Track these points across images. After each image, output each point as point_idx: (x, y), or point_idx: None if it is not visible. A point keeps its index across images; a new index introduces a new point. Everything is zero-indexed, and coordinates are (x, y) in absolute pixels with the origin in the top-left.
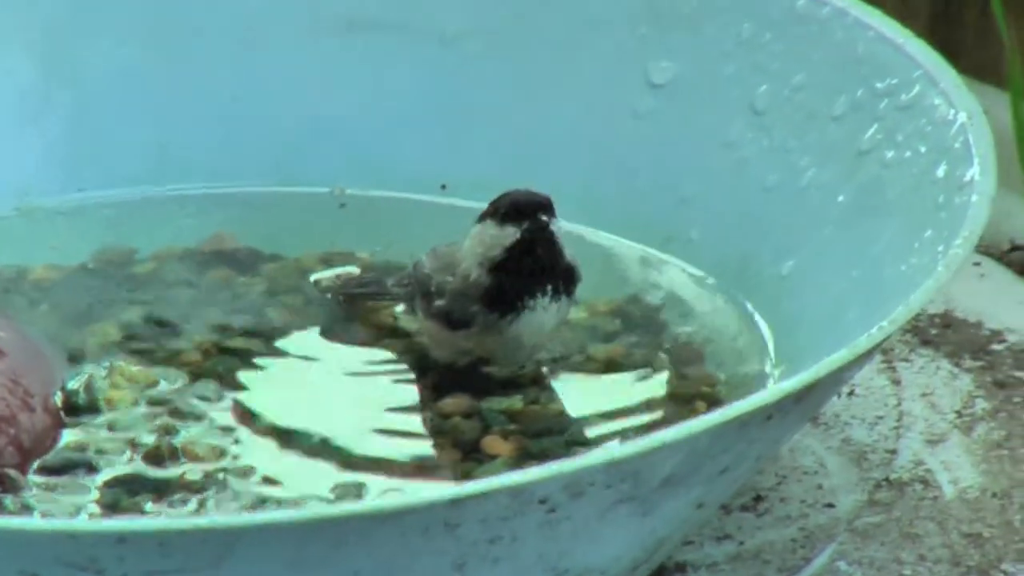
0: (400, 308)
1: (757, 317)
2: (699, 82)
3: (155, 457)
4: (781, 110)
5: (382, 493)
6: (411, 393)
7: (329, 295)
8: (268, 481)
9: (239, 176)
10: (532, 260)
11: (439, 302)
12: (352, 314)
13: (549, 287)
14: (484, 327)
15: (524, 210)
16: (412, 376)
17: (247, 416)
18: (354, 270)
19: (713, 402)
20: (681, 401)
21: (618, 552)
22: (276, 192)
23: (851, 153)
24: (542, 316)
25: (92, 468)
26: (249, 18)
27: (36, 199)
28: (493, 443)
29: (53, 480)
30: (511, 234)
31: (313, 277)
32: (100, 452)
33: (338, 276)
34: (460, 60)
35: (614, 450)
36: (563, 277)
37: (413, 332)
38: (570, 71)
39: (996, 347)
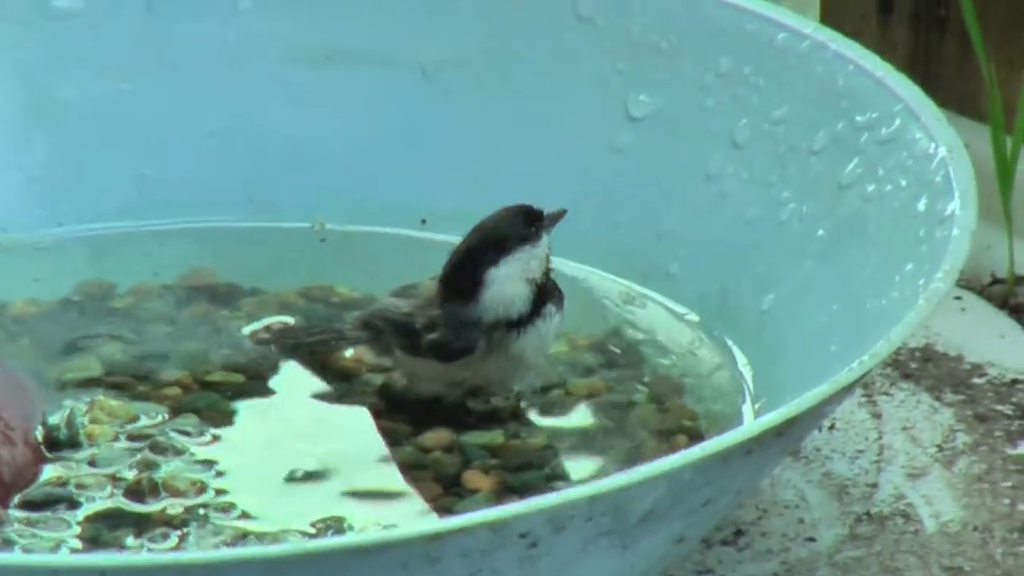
0: (350, 352)
1: (737, 351)
2: (679, 116)
3: (136, 492)
4: (761, 143)
5: (363, 527)
6: (391, 427)
7: (273, 347)
8: (248, 516)
9: (219, 210)
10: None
11: (432, 335)
12: (303, 362)
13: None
14: (487, 350)
15: (539, 216)
16: (392, 411)
17: (227, 451)
18: (288, 320)
19: (694, 436)
20: (662, 435)
21: None
22: (256, 227)
23: (832, 187)
24: (548, 327)
25: (73, 503)
26: (228, 52)
27: (16, 234)
28: (474, 477)
29: (34, 515)
30: (546, 243)
31: (246, 330)
32: (81, 487)
33: (268, 328)
34: (440, 94)
35: (595, 484)
36: (554, 286)
37: (384, 370)
38: (550, 105)
39: (977, 381)
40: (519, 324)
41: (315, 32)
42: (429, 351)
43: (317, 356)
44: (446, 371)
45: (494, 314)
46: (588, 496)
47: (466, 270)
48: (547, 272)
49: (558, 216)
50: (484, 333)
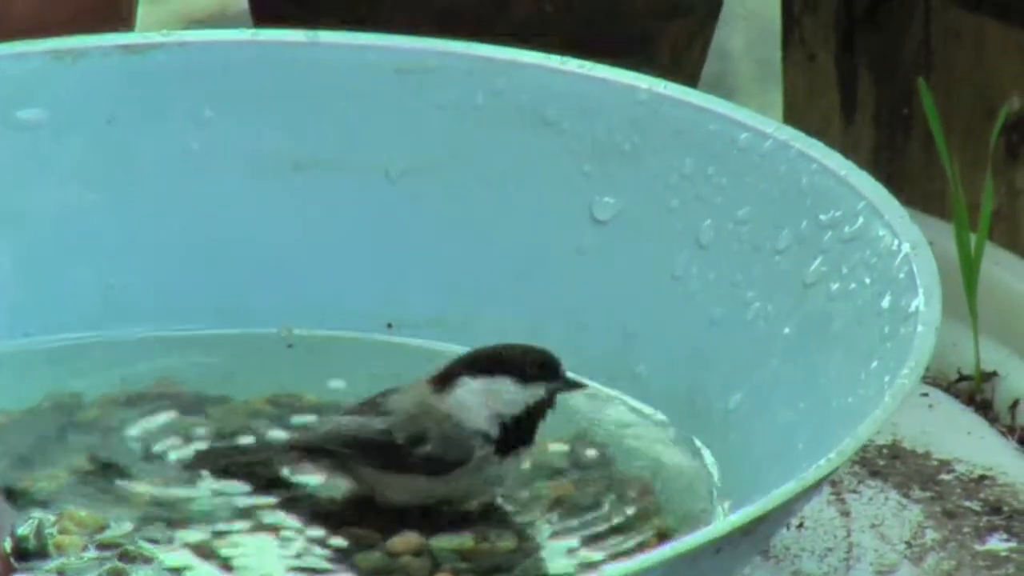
0: (287, 471)
1: (706, 450)
2: (643, 217)
3: None
4: (726, 243)
5: None
6: (359, 532)
7: (206, 471)
8: None
9: (185, 318)
10: (541, 415)
11: (421, 449)
12: (245, 480)
13: None
14: (476, 467)
15: (551, 370)
16: (360, 516)
17: (197, 558)
18: (203, 445)
19: (663, 536)
20: (631, 536)
21: None
22: (222, 334)
23: (797, 285)
24: (519, 460)
25: None
26: (192, 161)
27: None
28: None
29: None
30: (537, 394)
31: (172, 457)
32: None
33: (196, 453)
34: (405, 199)
35: None
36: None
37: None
38: (514, 208)
39: (945, 477)
40: (504, 449)
41: (279, 140)
42: (420, 466)
43: (256, 473)
44: (429, 485)
45: (456, 417)
46: None
47: (455, 365)
48: (517, 420)
49: (572, 386)
50: (476, 445)
